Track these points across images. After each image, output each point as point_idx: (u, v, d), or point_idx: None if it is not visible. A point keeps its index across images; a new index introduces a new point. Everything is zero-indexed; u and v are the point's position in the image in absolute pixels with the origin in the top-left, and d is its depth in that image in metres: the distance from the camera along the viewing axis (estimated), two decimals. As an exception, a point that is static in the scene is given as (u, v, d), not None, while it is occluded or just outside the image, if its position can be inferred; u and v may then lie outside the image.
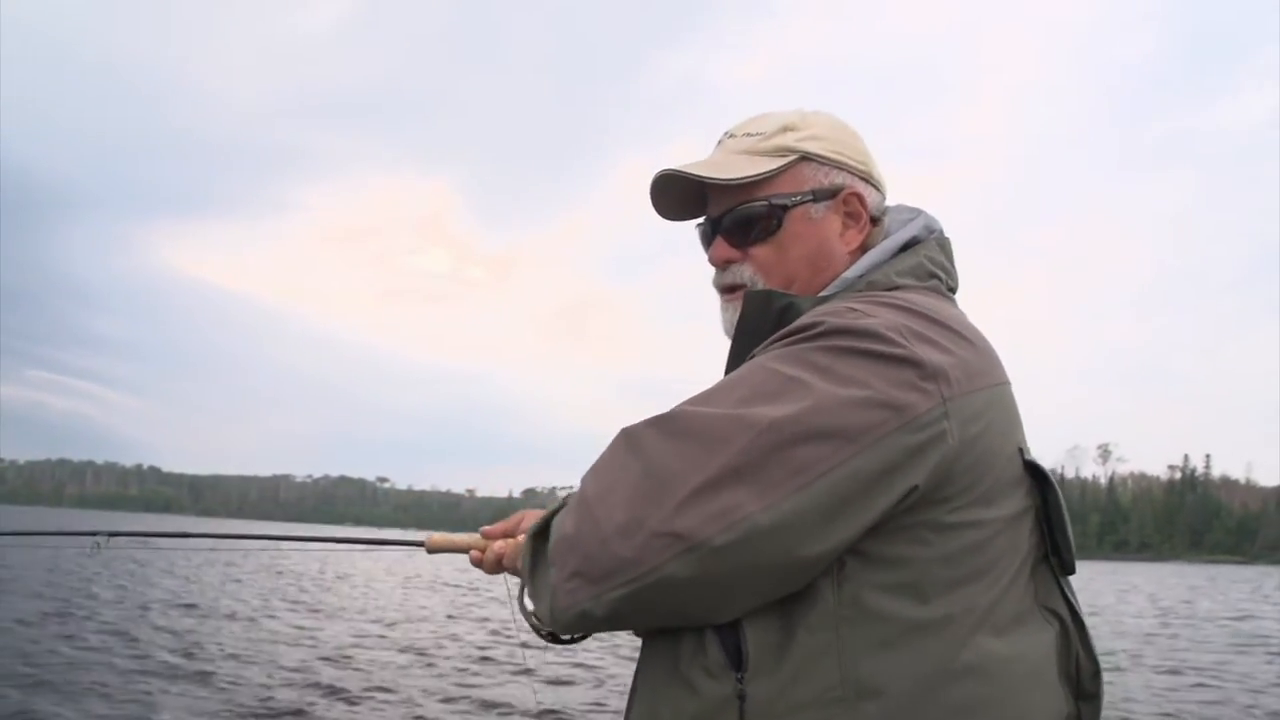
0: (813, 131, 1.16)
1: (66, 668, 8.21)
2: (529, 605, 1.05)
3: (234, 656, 9.43)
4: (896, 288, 1.08)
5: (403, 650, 10.70)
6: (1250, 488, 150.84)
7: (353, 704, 7.55)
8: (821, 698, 0.89)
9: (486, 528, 1.23)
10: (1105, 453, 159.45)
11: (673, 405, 0.97)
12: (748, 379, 0.95)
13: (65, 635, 10.00)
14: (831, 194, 1.15)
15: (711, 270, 1.21)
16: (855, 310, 0.97)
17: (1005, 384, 1.03)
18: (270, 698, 7.52)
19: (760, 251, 1.15)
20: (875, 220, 1.18)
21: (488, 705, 7.85)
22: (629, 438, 0.97)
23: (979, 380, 0.96)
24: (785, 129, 1.16)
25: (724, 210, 1.16)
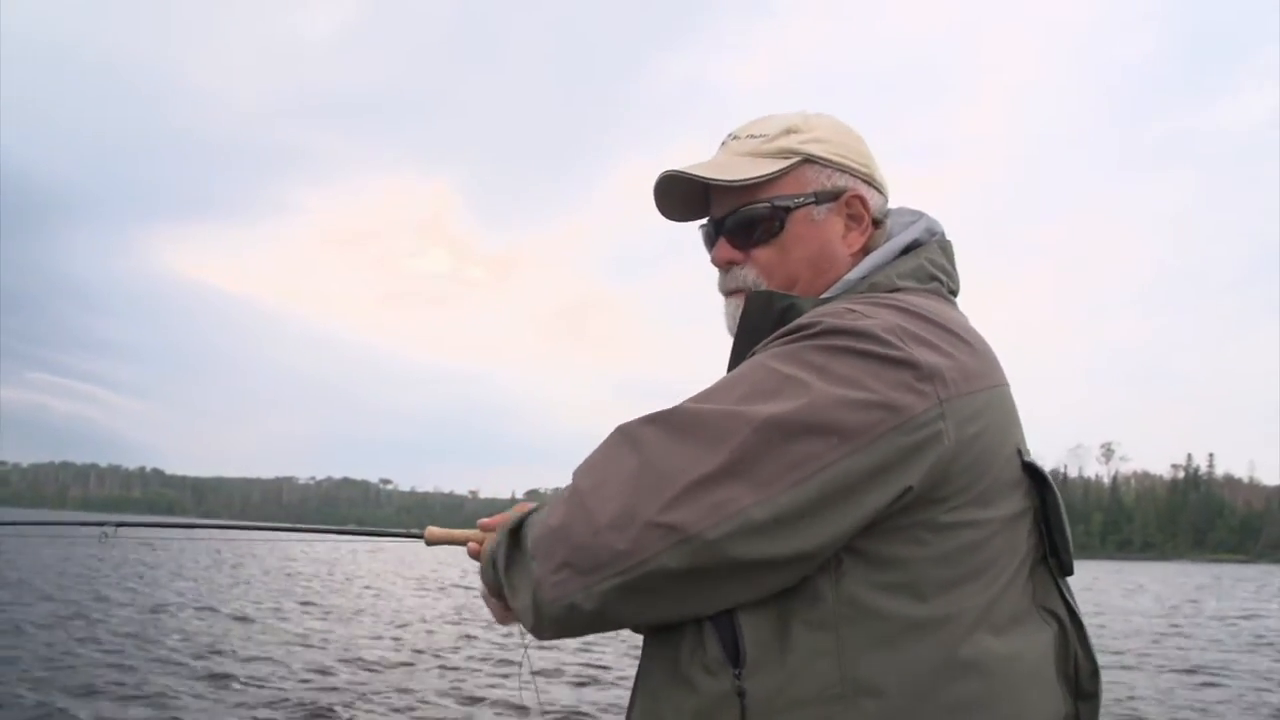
0: (816, 134, 1.17)
1: (85, 668, 8.25)
2: (510, 600, 1.03)
3: (246, 658, 9.46)
4: (898, 290, 1.08)
5: (410, 651, 10.73)
6: (1253, 486, 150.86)
7: (364, 705, 7.57)
8: (821, 695, 0.90)
9: (484, 520, 1.24)
10: (1108, 452, 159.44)
11: (672, 404, 0.98)
12: (746, 377, 0.97)
13: (79, 638, 10.04)
14: (834, 196, 1.16)
15: (714, 272, 1.21)
16: (854, 311, 0.98)
17: (1003, 386, 1.03)
18: (285, 699, 7.54)
19: (762, 253, 1.16)
20: (877, 223, 1.18)
21: (492, 705, 7.88)
22: (625, 434, 0.97)
23: (976, 382, 0.97)
24: (788, 131, 1.16)
25: (727, 212, 1.17)
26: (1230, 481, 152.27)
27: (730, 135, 1.20)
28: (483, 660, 10.19)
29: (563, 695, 8.40)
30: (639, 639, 1.07)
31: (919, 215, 1.20)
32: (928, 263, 1.13)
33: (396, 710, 7.47)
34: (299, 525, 1.66)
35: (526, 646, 1.20)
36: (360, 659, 9.84)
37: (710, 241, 1.21)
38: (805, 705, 0.90)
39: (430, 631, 12.77)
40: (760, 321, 1.08)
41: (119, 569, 21.10)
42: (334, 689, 8.09)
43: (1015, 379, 1.07)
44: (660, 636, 1.01)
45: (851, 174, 1.17)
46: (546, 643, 1.09)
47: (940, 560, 0.93)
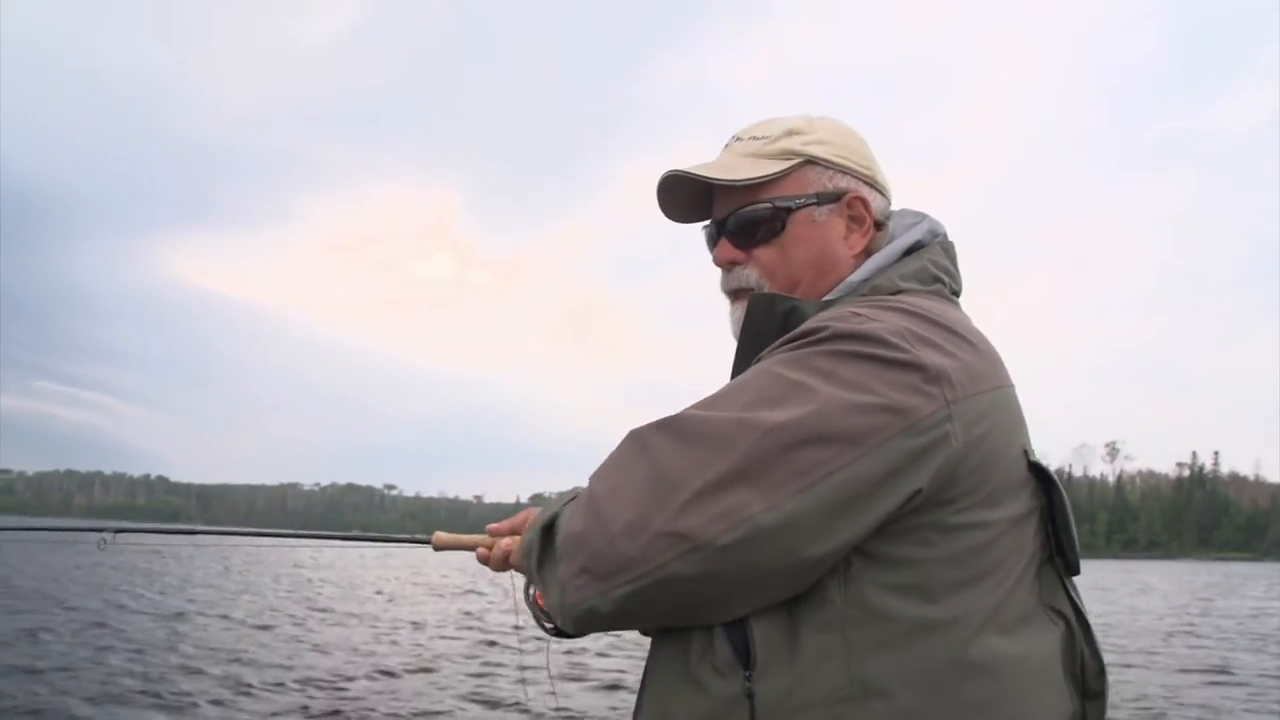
0: (818, 136, 1.17)
1: (98, 676, 8.31)
2: (541, 597, 1.06)
3: (259, 665, 9.51)
4: (900, 291, 1.09)
5: (424, 656, 10.78)
6: (1259, 484, 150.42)
7: (380, 711, 7.64)
8: (830, 696, 0.90)
9: (493, 525, 1.26)
10: (1113, 451, 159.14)
11: (679, 409, 0.99)
12: (753, 383, 0.97)
13: (90, 645, 10.09)
14: (835, 198, 1.16)
15: (717, 274, 1.23)
16: (859, 315, 0.98)
17: (1009, 387, 1.04)
18: (301, 706, 7.60)
19: (764, 253, 1.16)
20: (880, 225, 1.19)
21: (498, 706, 7.95)
22: (637, 439, 0.99)
23: (982, 383, 0.97)
24: (791, 133, 1.17)
25: (729, 212, 1.18)
26: (1236, 480, 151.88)
27: (734, 137, 1.22)
28: (495, 665, 10.24)
29: (571, 696, 8.43)
30: (646, 638, 1.08)
31: (921, 217, 1.20)
32: (930, 264, 1.13)
33: (416, 715, 7.53)
34: (305, 532, 1.66)
35: (542, 640, 1.22)
36: (372, 665, 9.87)
37: (713, 242, 1.22)
38: (814, 707, 0.91)
39: (443, 637, 12.81)
40: (764, 324, 1.08)
41: (128, 577, 21.16)
42: (349, 696, 8.13)
43: (1019, 379, 1.08)
44: (669, 637, 1.02)
45: (854, 176, 1.18)
46: (550, 637, 1.14)
47: (948, 561, 0.93)
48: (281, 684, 8.47)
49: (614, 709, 7.96)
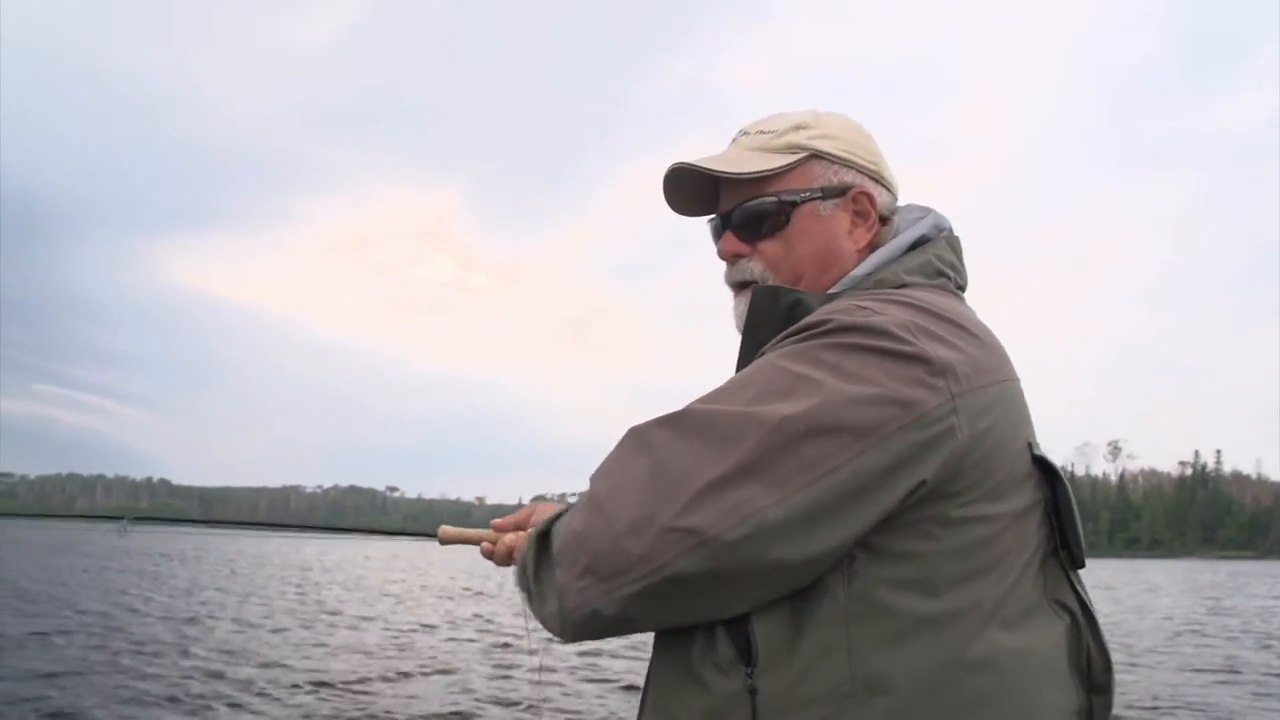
0: (824, 130, 1.18)
1: (107, 677, 8.34)
2: (536, 608, 1.04)
3: (271, 667, 9.53)
4: (905, 285, 1.08)
5: (435, 657, 10.80)
6: (1261, 483, 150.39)
7: (390, 710, 7.66)
8: (832, 693, 0.90)
9: (498, 520, 1.25)
10: (1115, 450, 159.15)
11: (683, 406, 0.98)
12: (758, 377, 0.96)
13: (108, 649, 10.16)
14: (840, 192, 1.16)
15: (719, 272, 1.23)
16: (864, 308, 0.98)
17: (1014, 380, 1.03)
18: (313, 707, 7.63)
19: (768, 247, 1.17)
20: (885, 219, 1.19)
21: (513, 706, 7.97)
22: (638, 437, 0.98)
23: (987, 376, 0.97)
24: (797, 127, 1.17)
25: (734, 205, 1.18)
26: (1238, 478, 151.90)
27: (741, 131, 1.22)
28: (508, 668, 10.28)
29: (574, 695, 8.46)
30: (650, 638, 1.07)
31: (927, 211, 1.20)
32: (935, 258, 1.13)
33: (430, 718, 7.58)
34: (312, 524, 1.67)
35: (538, 650, 1.26)
36: (385, 667, 9.87)
37: (717, 235, 1.22)
38: (816, 703, 0.90)
39: (454, 639, 12.80)
40: (767, 317, 1.08)
41: (137, 580, 21.18)
42: (363, 699, 8.12)
43: (1022, 378, 1.08)
44: (671, 636, 1.01)
45: (859, 170, 1.18)
46: (555, 639, 1.09)
47: (952, 555, 0.93)
48: (297, 686, 8.49)
49: (627, 707, 7.99)
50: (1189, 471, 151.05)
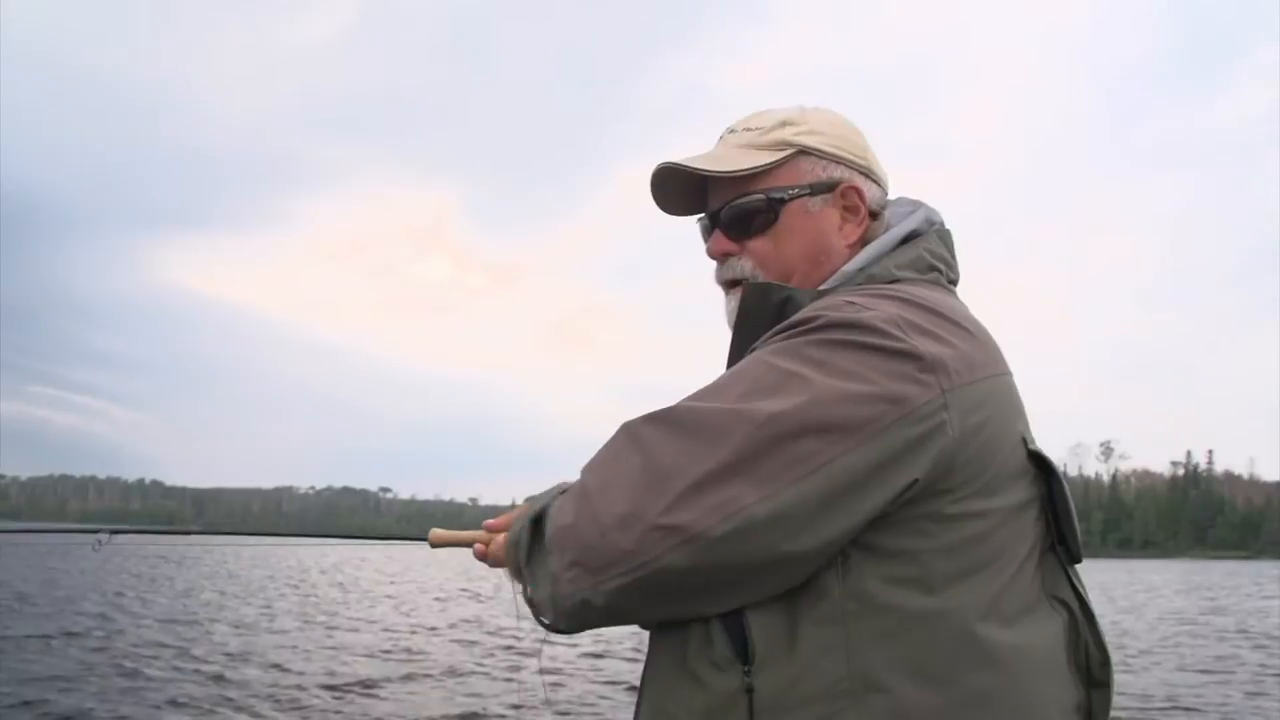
0: (811, 126, 1.17)
1: (95, 682, 8.34)
2: (529, 591, 1.04)
3: (267, 666, 9.60)
4: (896, 281, 1.08)
5: (429, 656, 10.88)
6: (1253, 483, 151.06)
7: (392, 713, 7.71)
8: (830, 690, 0.90)
9: (490, 521, 1.25)
10: (1108, 450, 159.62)
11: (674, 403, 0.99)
12: (747, 373, 0.96)
13: (108, 652, 10.16)
14: (829, 188, 1.16)
15: (713, 271, 1.22)
16: (854, 303, 0.98)
17: (1006, 374, 1.03)
18: (318, 710, 7.68)
19: (758, 244, 1.16)
20: (875, 214, 1.19)
21: (505, 706, 7.99)
22: (629, 432, 0.98)
23: (979, 371, 0.96)
24: (784, 124, 1.17)
25: (722, 204, 1.18)
26: (1230, 478, 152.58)
27: (727, 128, 1.21)
28: (501, 667, 10.31)
29: (572, 692, 8.51)
30: (645, 634, 1.07)
31: (917, 205, 1.20)
32: (926, 253, 1.13)
33: (403, 711, 7.59)
34: (299, 531, 1.64)
35: (544, 641, 1.25)
36: (385, 670, 9.90)
37: (707, 234, 1.22)
38: (813, 701, 0.90)
39: (452, 640, 12.85)
40: (758, 313, 1.07)
41: (135, 583, 21.17)
42: (365, 701, 8.16)
43: (1015, 376, 1.07)
44: (667, 633, 1.01)
45: (848, 166, 1.17)
46: (559, 639, 1.09)
47: (947, 552, 0.92)
48: (301, 688, 8.54)
49: (627, 705, 8.04)
50: (1181, 472, 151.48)
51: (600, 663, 10.42)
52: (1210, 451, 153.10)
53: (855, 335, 0.93)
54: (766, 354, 0.97)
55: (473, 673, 9.86)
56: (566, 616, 1.00)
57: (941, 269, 1.13)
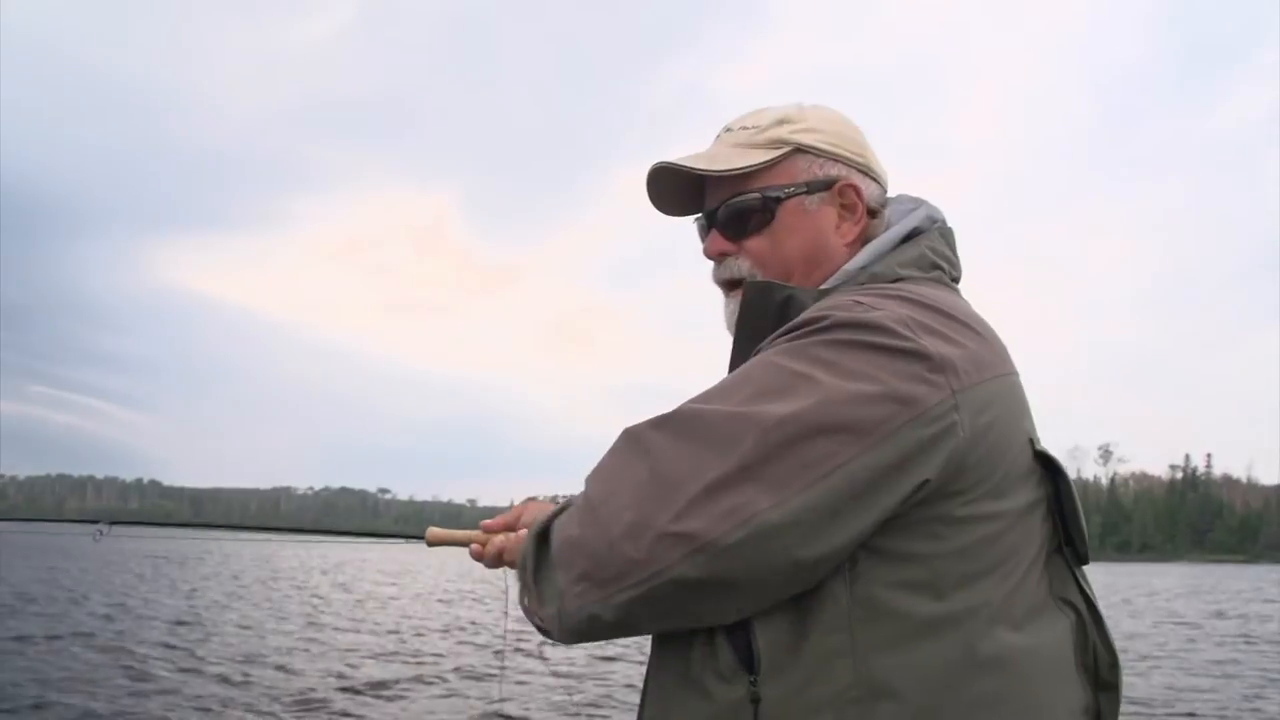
0: (808, 124, 1.15)
1: (88, 681, 8.30)
2: (536, 608, 1.02)
3: (268, 668, 9.54)
4: (900, 279, 1.07)
5: (438, 661, 10.79)
6: (1252, 486, 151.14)
7: (387, 712, 7.65)
8: (838, 698, 0.88)
9: (487, 521, 1.23)
10: (1106, 453, 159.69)
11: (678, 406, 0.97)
12: (754, 376, 0.95)
13: (111, 652, 10.10)
14: (826, 186, 1.14)
15: (711, 266, 1.21)
16: (861, 303, 0.96)
17: (1013, 374, 1.02)
18: (311, 709, 7.61)
19: (755, 244, 1.15)
20: (873, 212, 1.17)
21: (505, 707, 7.97)
22: (633, 439, 0.96)
23: (987, 371, 0.95)
24: (780, 122, 1.15)
25: (719, 203, 1.16)
26: (1228, 482, 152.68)
27: (724, 127, 1.20)
28: (514, 671, 10.22)
29: (584, 699, 8.44)
30: (647, 640, 1.05)
31: (918, 202, 1.18)
32: (929, 251, 1.11)
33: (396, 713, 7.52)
34: (295, 526, 1.64)
35: (505, 635, 1.18)
36: (387, 672, 9.84)
37: (704, 234, 1.20)
38: (821, 709, 0.88)
39: (460, 643, 12.76)
40: (760, 314, 1.05)
41: (136, 583, 21.11)
42: (367, 704, 8.11)
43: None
44: (670, 641, 0.99)
45: (845, 163, 1.16)
46: (550, 641, 1.06)
47: (957, 555, 0.91)
48: (303, 691, 8.47)
49: (607, 710, 7.94)
50: (1179, 475, 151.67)
51: (599, 664, 10.30)
52: (1209, 455, 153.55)
53: (864, 335, 0.91)
54: (773, 355, 0.95)
55: (481, 676, 9.82)
56: (573, 634, 0.97)
57: (944, 267, 1.12)
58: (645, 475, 0.91)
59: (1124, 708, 1.00)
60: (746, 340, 1.05)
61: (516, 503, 1.25)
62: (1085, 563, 1.04)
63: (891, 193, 1.21)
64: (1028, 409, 1.04)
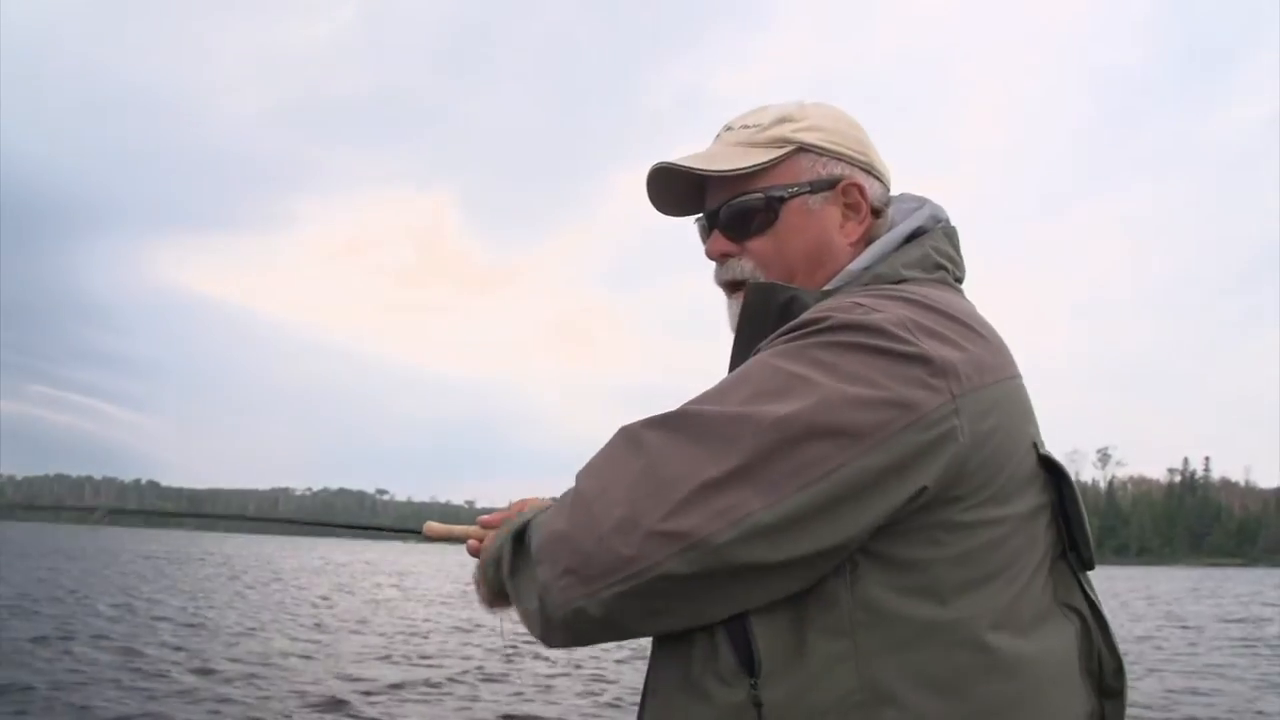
0: (810, 122, 1.13)
1: (77, 684, 8.23)
2: (514, 605, 1.01)
3: (270, 669, 9.55)
4: (903, 280, 1.05)
5: (414, 661, 10.83)
6: (1250, 490, 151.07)
7: (388, 714, 7.68)
8: (840, 703, 0.87)
9: (485, 517, 1.21)
10: (1104, 457, 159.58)
11: (675, 405, 0.96)
12: (752, 376, 0.93)
13: (111, 652, 10.10)
14: (829, 185, 1.12)
15: (712, 275, 1.19)
16: (862, 305, 0.94)
17: (1016, 377, 1.00)
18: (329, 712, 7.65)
19: (758, 244, 1.13)
20: (877, 211, 1.15)
21: (507, 707, 7.98)
22: (629, 436, 0.95)
23: (989, 375, 0.93)
24: (782, 120, 1.13)
25: (720, 203, 1.14)
26: (1227, 485, 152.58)
27: (725, 126, 1.18)
28: (502, 669, 10.27)
29: (571, 702, 8.45)
30: (648, 642, 1.04)
31: (922, 202, 1.17)
32: (933, 251, 1.09)
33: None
34: (297, 519, 1.65)
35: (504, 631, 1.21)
36: (388, 673, 9.85)
37: (705, 235, 1.18)
38: (823, 714, 0.87)
39: (466, 644, 12.79)
40: (762, 315, 1.04)
41: (137, 584, 21.08)
42: (370, 706, 8.12)
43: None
44: (670, 644, 0.97)
45: (848, 162, 1.14)
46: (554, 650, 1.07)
47: (959, 561, 0.89)
48: (306, 691, 8.46)
49: (605, 715, 7.97)
50: (1178, 478, 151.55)
51: (598, 667, 10.36)
52: (1207, 458, 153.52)
53: (863, 338, 0.90)
54: (772, 356, 0.94)
55: (473, 676, 9.81)
56: (560, 629, 0.94)
57: (948, 267, 1.10)
58: (639, 472, 0.90)
59: (1128, 712, 1.04)
60: (747, 341, 1.04)
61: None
62: (1090, 568, 1.02)
63: (893, 191, 1.19)
64: (1032, 413, 1.02)
